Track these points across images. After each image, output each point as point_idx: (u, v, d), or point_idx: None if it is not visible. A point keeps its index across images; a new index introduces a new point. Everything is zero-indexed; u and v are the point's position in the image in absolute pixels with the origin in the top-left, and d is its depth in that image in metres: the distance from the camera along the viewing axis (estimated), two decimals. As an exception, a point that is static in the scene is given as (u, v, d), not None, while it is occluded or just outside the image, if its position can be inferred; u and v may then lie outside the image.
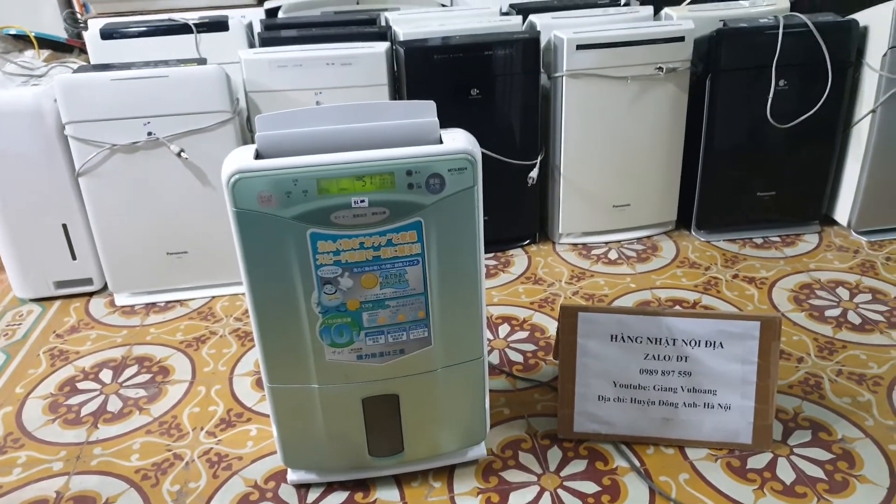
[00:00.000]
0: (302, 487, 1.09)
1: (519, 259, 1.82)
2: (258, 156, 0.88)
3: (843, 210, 1.86)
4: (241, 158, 0.87)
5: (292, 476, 1.09)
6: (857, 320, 1.47)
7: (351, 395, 1.00)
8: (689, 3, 1.91)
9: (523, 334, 1.48)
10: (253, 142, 0.91)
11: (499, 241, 1.85)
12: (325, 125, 0.90)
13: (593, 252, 1.83)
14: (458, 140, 0.90)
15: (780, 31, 1.63)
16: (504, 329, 1.50)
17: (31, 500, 1.09)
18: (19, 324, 1.61)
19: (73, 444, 1.21)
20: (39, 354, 1.49)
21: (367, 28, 1.85)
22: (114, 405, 1.31)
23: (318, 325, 0.93)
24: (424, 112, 0.92)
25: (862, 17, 1.70)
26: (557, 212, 1.85)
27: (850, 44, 1.68)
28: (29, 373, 1.42)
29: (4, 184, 1.56)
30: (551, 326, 1.50)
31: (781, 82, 1.68)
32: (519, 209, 1.84)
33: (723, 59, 1.67)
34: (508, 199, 1.80)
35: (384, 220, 0.88)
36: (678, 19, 1.80)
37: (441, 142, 0.91)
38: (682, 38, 1.69)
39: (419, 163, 0.87)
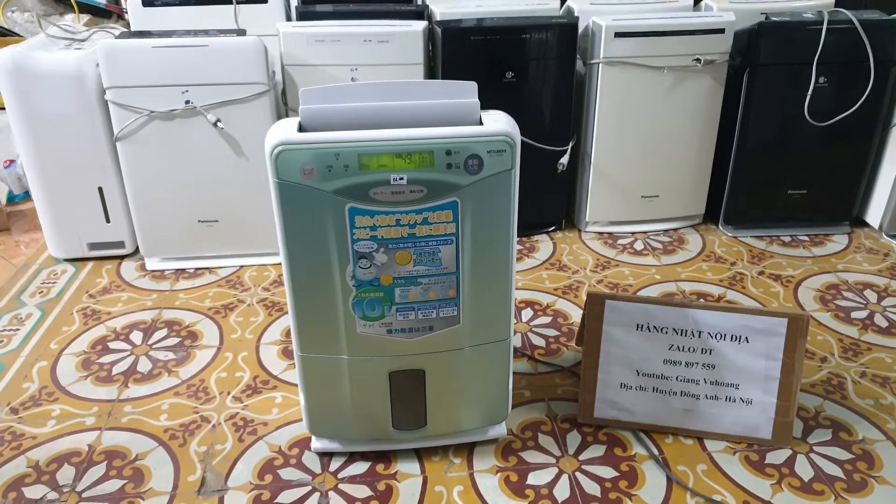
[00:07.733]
0: (325, 456, 1.11)
1: (544, 245, 1.83)
2: (301, 129, 0.90)
3: (875, 212, 1.83)
4: (285, 130, 0.88)
5: (316, 444, 1.12)
6: (883, 323, 1.46)
7: (379, 368, 1.02)
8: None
9: (546, 319, 1.49)
10: (286, 114, 0.92)
11: (525, 225, 1.85)
12: (368, 101, 0.91)
13: (619, 242, 1.83)
14: (499, 122, 0.91)
15: (824, 27, 1.60)
16: (527, 313, 1.51)
17: (64, 451, 1.13)
18: (54, 282, 1.65)
19: (105, 400, 1.25)
20: (73, 313, 1.53)
21: (404, 6, 1.85)
22: (144, 366, 1.35)
23: (351, 298, 0.95)
24: (466, 92, 0.93)
25: (909, 16, 1.67)
26: (585, 200, 1.84)
27: (895, 43, 1.65)
28: (63, 330, 1.46)
29: (44, 145, 1.59)
30: (574, 313, 1.50)
31: (821, 79, 1.65)
32: (546, 195, 1.84)
33: (762, 54, 1.65)
34: (536, 184, 1.80)
35: (421, 199, 0.89)
36: (718, 11, 1.78)
37: (481, 123, 0.92)
38: (721, 30, 1.67)
39: (458, 143, 0.88)
